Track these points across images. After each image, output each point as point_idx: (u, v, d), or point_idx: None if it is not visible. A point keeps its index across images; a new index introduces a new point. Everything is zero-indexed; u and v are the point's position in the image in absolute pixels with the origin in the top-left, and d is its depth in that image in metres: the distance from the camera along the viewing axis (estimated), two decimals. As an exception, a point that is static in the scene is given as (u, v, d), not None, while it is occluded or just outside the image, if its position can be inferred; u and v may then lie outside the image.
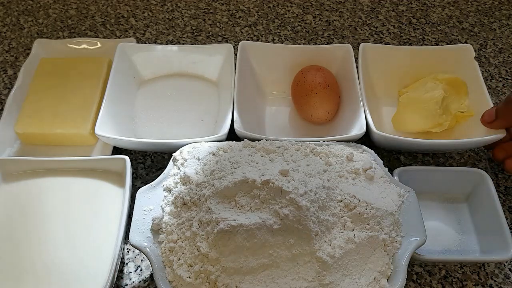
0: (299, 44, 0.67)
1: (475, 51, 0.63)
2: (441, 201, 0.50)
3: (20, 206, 0.46)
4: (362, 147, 0.47)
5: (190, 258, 0.39)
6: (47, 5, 0.73)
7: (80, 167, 0.48)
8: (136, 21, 0.70)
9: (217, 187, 0.40)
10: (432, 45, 0.66)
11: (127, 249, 0.47)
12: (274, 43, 0.66)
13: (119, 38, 0.67)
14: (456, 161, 0.54)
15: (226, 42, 0.67)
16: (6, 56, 0.65)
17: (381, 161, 0.46)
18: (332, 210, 0.40)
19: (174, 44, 0.65)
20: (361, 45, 0.57)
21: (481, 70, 0.55)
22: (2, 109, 0.56)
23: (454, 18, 0.71)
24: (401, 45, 0.66)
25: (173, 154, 0.46)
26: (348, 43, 0.63)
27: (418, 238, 0.40)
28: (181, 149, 0.46)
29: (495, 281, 0.45)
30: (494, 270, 0.46)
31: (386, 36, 0.68)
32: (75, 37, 0.67)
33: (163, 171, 0.46)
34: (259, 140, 0.47)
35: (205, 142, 0.47)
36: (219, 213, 0.39)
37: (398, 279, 0.38)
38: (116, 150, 0.52)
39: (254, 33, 0.68)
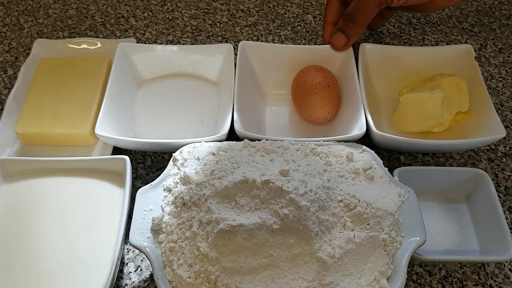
0: (299, 44, 0.67)
1: (475, 51, 0.63)
2: (441, 201, 0.50)
3: (20, 206, 0.46)
4: (362, 147, 0.47)
5: (190, 258, 0.39)
6: (47, 5, 0.73)
7: (80, 167, 0.48)
8: (136, 21, 0.70)
9: (217, 187, 0.40)
10: (432, 45, 0.67)
11: (127, 249, 0.47)
12: (274, 43, 0.66)
13: (119, 38, 0.67)
14: (456, 161, 0.54)
15: (226, 42, 0.67)
16: (6, 56, 0.65)
17: (381, 161, 0.46)
18: (332, 210, 0.40)
19: (174, 44, 0.65)
20: (361, 45, 0.57)
21: (481, 70, 0.55)
22: (2, 109, 0.56)
23: (454, 18, 0.71)
24: (401, 45, 0.66)
25: (173, 154, 0.46)
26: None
27: (418, 238, 0.40)
28: (181, 149, 0.46)
29: (495, 281, 0.45)
30: (494, 270, 0.46)
31: (386, 36, 0.68)
32: (75, 37, 0.67)
33: (163, 171, 0.46)
34: (259, 140, 0.47)
35: (205, 142, 0.47)
36: (219, 213, 0.39)
37: (398, 279, 0.38)
38: (116, 150, 0.52)
39: (254, 33, 0.68)
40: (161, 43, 0.67)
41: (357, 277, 0.39)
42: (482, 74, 0.55)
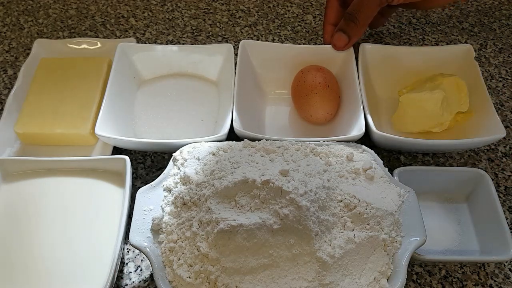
0: (299, 44, 0.67)
1: (475, 51, 0.63)
2: (441, 201, 0.50)
3: (20, 206, 0.46)
4: (362, 147, 0.47)
5: (190, 258, 0.39)
6: (47, 5, 0.73)
7: (80, 167, 0.48)
8: (136, 21, 0.70)
9: (217, 187, 0.40)
10: (432, 45, 0.67)
11: (127, 249, 0.47)
12: (274, 43, 0.66)
13: (119, 38, 0.67)
14: (456, 161, 0.54)
15: (226, 42, 0.67)
16: (6, 56, 0.65)
17: (381, 161, 0.46)
18: (332, 210, 0.40)
19: (174, 44, 0.65)
20: (361, 45, 0.57)
21: (481, 70, 0.55)
22: (2, 109, 0.56)
23: (454, 18, 0.71)
24: (401, 45, 0.66)
25: (173, 154, 0.46)
26: (348, 43, 0.63)
27: (418, 238, 0.40)
28: (181, 149, 0.46)
29: (495, 281, 0.45)
30: (494, 270, 0.46)
31: (386, 36, 0.68)
32: (75, 37, 0.67)
33: (163, 171, 0.46)
34: (259, 140, 0.47)
35: (205, 142, 0.47)
36: (219, 213, 0.39)
37: (398, 279, 0.38)
38: (116, 150, 0.52)
39: (254, 33, 0.68)
40: (161, 43, 0.67)
41: (357, 277, 0.39)
42: (482, 74, 0.55)
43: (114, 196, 0.46)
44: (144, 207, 0.42)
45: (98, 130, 0.49)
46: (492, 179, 0.48)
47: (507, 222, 0.46)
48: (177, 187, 0.43)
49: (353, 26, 0.54)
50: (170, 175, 0.45)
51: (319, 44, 0.67)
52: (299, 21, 0.70)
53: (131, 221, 0.41)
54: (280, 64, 0.58)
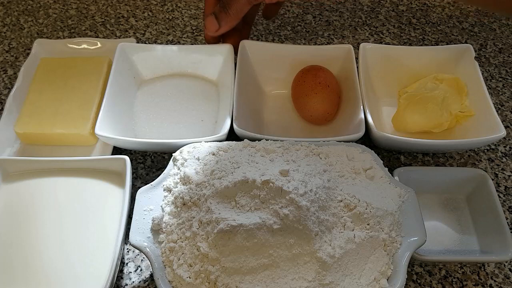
0: (299, 44, 0.67)
1: (475, 51, 0.63)
2: (441, 201, 0.50)
3: (20, 206, 0.46)
4: (362, 147, 0.47)
5: (190, 258, 0.39)
6: (47, 5, 0.73)
7: (80, 167, 0.48)
8: (136, 21, 0.70)
9: (217, 187, 0.40)
10: (432, 45, 0.66)
11: (127, 249, 0.47)
12: (274, 43, 0.66)
13: (119, 38, 0.67)
14: (456, 161, 0.54)
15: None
16: (6, 56, 0.65)
17: (381, 161, 0.46)
18: (332, 210, 0.40)
19: (174, 44, 0.65)
20: (361, 45, 0.57)
21: (481, 70, 0.55)
22: (2, 109, 0.56)
23: (454, 18, 0.71)
24: (401, 45, 0.66)
25: (173, 154, 0.46)
26: (348, 43, 0.63)
27: (418, 238, 0.40)
28: (181, 149, 0.46)
29: (495, 281, 0.45)
30: (494, 270, 0.46)
31: (386, 36, 0.68)
32: (75, 37, 0.67)
33: (163, 171, 0.46)
34: (259, 140, 0.47)
35: (205, 142, 0.47)
36: (219, 213, 0.39)
37: (398, 279, 0.38)
38: (116, 150, 0.52)
39: (254, 33, 0.68)
40: (161, 43, 0.67)
41: (357, 277, 0.39)
42: (482, 74, 0.55)
43: (114, 196, 0.46)
44: (144, 207, 0.42)
45: (98, 130, 0.49)
46: (492, 179, 0.48)
47: (507, 222, 0.46)
48: (177, 187, 0.43)
49: (224, 15, 0.54)
50: (170, 175, 0.45)
51: (319, 44, 0.67)
52: (299, 21, 0.70)
53: (131, 221, 0.41)
54: (280, 64, 0.58)
